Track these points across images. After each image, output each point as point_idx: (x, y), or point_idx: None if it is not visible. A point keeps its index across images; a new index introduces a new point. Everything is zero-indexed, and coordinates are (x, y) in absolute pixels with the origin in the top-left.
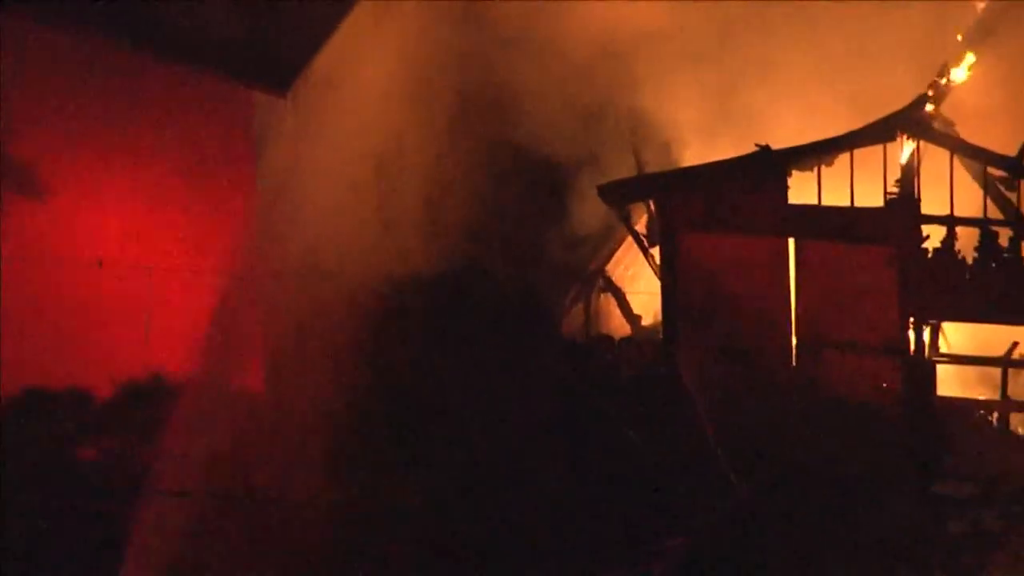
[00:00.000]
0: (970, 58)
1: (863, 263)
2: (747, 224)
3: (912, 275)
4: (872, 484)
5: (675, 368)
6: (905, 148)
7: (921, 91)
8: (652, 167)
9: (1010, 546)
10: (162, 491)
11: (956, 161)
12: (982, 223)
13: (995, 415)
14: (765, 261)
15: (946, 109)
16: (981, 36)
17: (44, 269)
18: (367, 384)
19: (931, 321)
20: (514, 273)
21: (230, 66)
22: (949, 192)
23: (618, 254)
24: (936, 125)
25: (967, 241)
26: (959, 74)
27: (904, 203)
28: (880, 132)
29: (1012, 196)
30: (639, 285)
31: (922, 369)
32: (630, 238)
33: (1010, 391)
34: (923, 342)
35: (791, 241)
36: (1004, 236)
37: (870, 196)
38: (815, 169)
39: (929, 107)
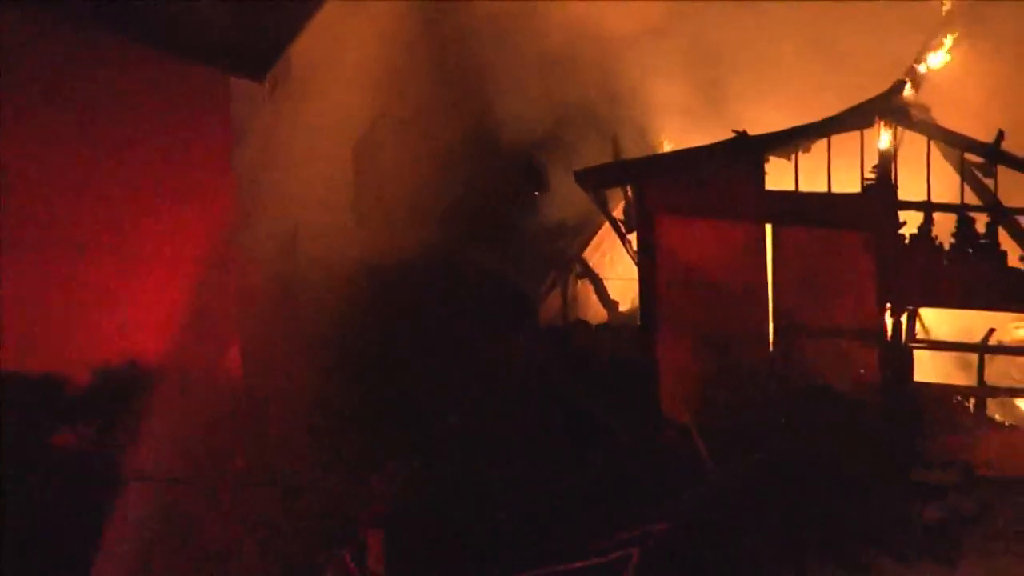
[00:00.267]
0: (948, 43)
1: (840, 249)
2: (724, 210)
3: (889, 261)
4: (849, 470)
5: (652, 354)
6: (882, 134)
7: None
8: (629, 153)
9: (986, 532)
10: (138, 477)
11: (933, 147)
12: (959, 209)
13: (972, 401)
14: (742, 247)
15: (924, 95)
16: (958, 22)
17: (19, 255)
18: (344, 370)
19: (908, 307)
20: (491, 259)
21: (207, 52)
22: (926, 178)
23: (595, 240)
24: (913, 111)
25: (944, 227)
26: (936, 60)
27: (881, 189)
28: (857, 118)
29: (989, 182)
30: (617, 271)
31: (899, 355)
32: (607, 224)
33: (987, 377)
34: (900, 328)
35: (768, 227)
36: (981, 222)
37: (847, 182)
38: (792, 155)
39: (907, 93)
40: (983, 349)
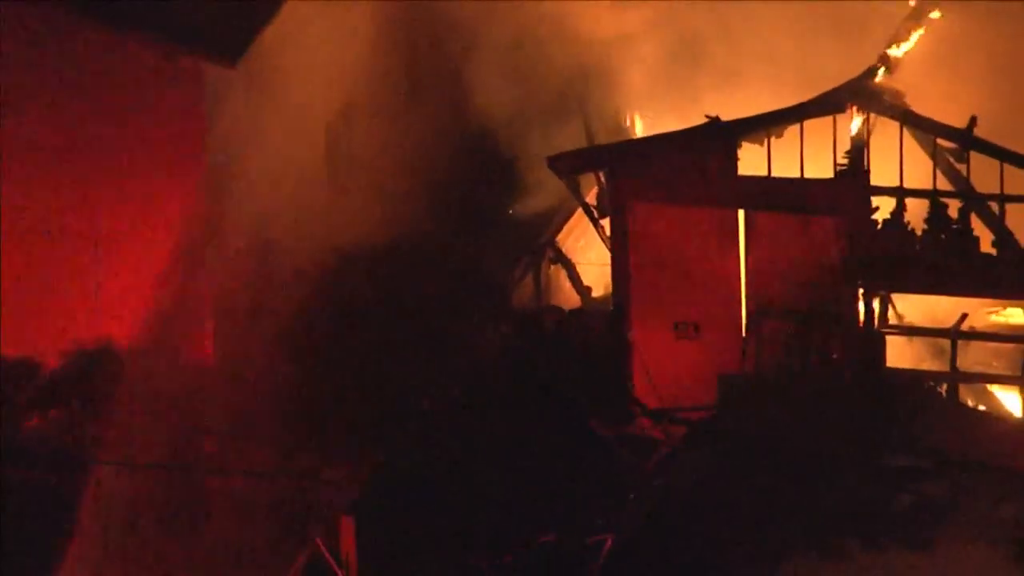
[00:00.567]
0: (919, 30)
1: (813, 234)
2: (697, 195)
3: (861, 246)
4: (821, 456)
5: (625, 339)
6: (855, 120)
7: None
8: (602, 138)
9: (959, 518)
10: (110, 461)
11: (906, 133)
12: (931, 195)
13: (944, 387)
14: (715, 232)
15: (896, 81)
16: (931, 6)
17: None
18: (315, 354)
19: (880, 292)
20: (464, 244)
21: (180, 37)
22: (899, 164)
23: (568, 225)
24: (886, 97)
25: (916, 213)
26: (909, 45)
27: (854, 175)
28: (830, 104)
29: (961, 168)
30: (590, 256)
31: (871, 340)
32: (580, 209)
33: (959, 362)
34: (872, 313)
35: (741, 212)
36: (953, 208)
37: (820, 168)
38: (765, 141)
39: (879, 78)
40: (955, 335)
